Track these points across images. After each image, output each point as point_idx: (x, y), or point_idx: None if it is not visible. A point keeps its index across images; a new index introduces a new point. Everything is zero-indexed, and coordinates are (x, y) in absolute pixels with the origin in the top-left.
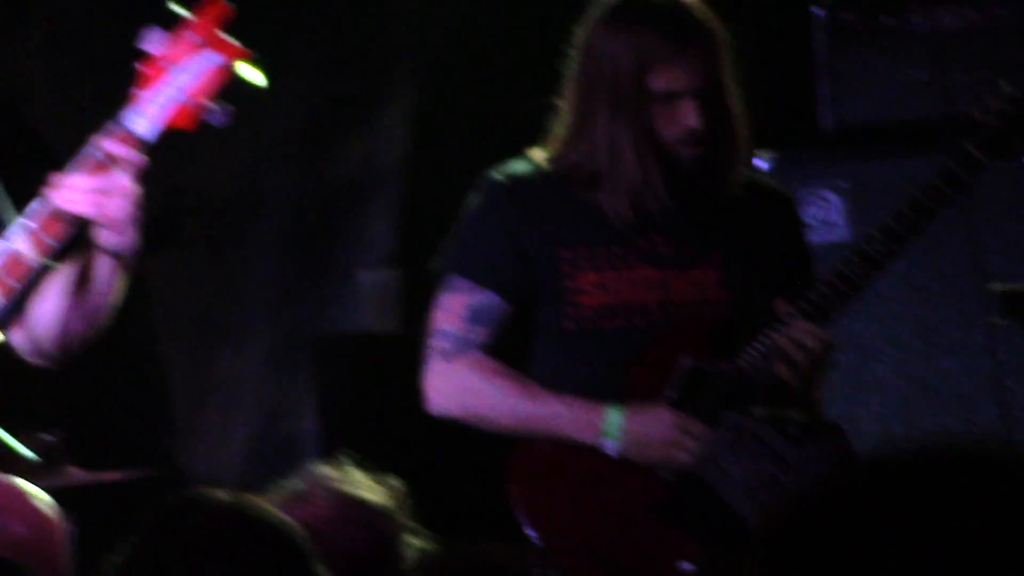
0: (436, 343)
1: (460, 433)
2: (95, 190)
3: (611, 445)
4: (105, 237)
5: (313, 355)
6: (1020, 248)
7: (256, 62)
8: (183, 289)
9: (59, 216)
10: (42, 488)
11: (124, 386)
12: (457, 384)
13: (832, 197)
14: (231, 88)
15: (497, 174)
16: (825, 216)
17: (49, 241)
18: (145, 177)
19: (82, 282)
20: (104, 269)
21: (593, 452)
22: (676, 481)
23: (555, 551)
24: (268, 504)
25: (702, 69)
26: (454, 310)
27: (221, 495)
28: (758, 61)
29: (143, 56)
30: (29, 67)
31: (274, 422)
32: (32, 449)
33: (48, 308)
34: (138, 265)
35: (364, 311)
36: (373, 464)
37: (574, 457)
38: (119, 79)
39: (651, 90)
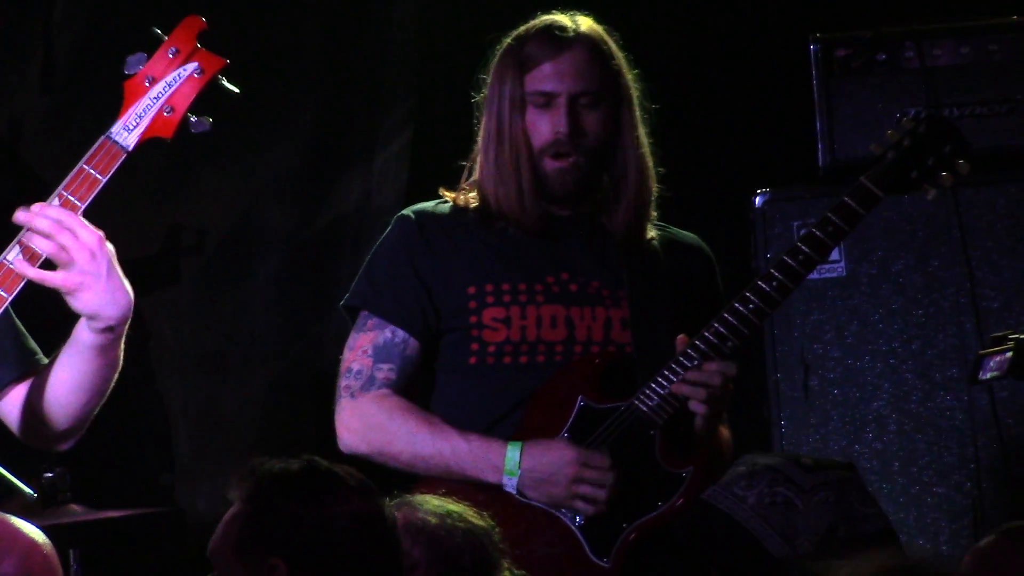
0: (345, 382)
1: None
2: (59, 225)
3: (510, 482)
4: (80, 300)
5: (314, 393)
6: (1015, 284)
7: (231, 74)
8: (184, 326)
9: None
10: (45, 525)
11: (126, 424)
12: (362, 421)
13: None
14: (227, 120)
15: (407, 211)
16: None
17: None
18: (145, 215)
19: (66, 359)
20: (92, 340)
21: (494, 491)
22: (693, 512)
23: None
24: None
25: (576, 75)
26: (362, 348)
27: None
28: (758, 99)
29: (127, 77)
30: (25, 104)
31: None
32: (35, 486)
33: (36, 396)
34: (137, 304)
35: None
36: None
37: (472, 496)
38: (111, 114)
39: (527, 92)
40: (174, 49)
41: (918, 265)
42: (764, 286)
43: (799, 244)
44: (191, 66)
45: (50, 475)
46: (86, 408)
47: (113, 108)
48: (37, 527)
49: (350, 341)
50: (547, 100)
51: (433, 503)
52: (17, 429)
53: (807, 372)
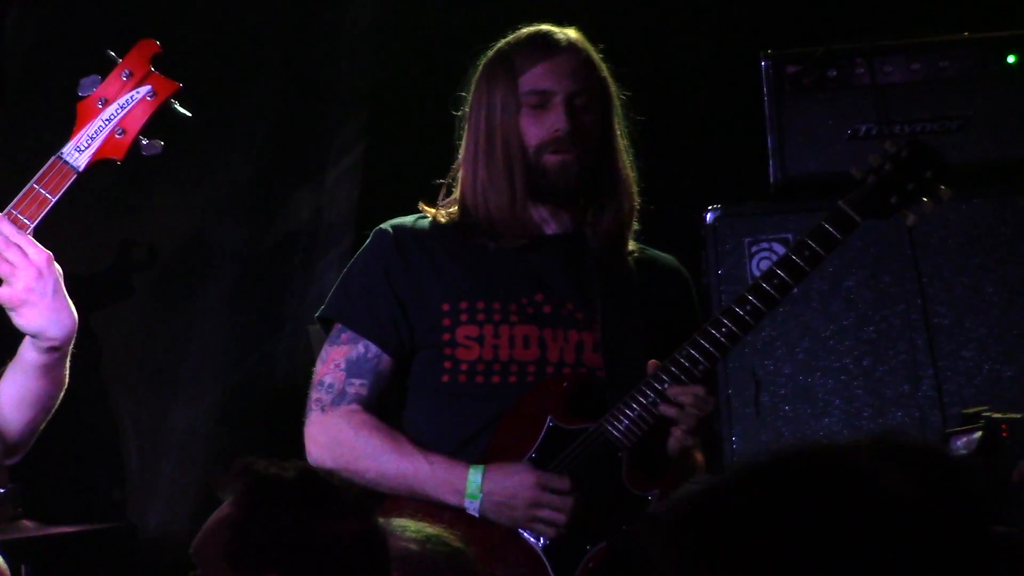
0: (316, 395)
1: None
2: (7, 241)
3: (472, 506)
4: (24, 318)
5: (265, 409)
6: (966, 301)
7: (184, 95)
8: (134, 342)
9: None
10: None
11: (77, 440)
12: (330, 436)
13: (780, 250)
14: (178, 137)
15: (385, 226)
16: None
17: None
18: (96, 230)
19: (11, 375)
20: (36, 359)
21: (459, 511)
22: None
23: None
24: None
25: (571, 75)
26: (334, 361)
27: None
28: (709, 115)
29: (80, 98)
30: None
31: None
32: None
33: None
34: (88, 320)
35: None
36: None
37: (436, 515)
38: (62, 130)
39: (521, 92)
40: (127, 72)
41: (869, 281)
42: (738, 310)
43: (775, 268)
44: (144, 89)
45: (1, 491)
46: (31, 425)
47: (65, 124)
48: None
49: (323, 353)
50: (543, 100)
51: (412, 528)
52: None
53: (758, 388)
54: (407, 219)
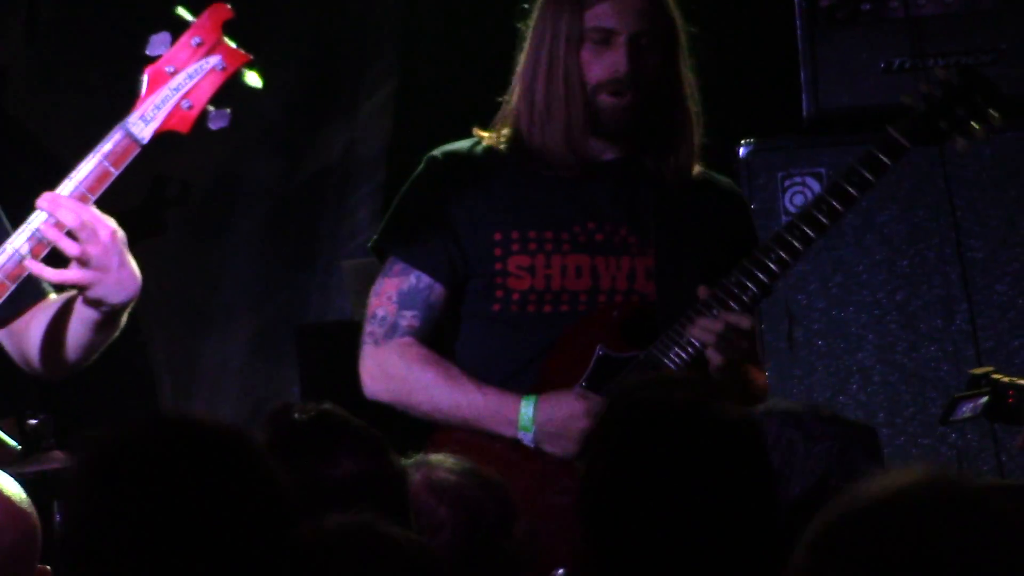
0: (369, 328)
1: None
2: (83, 223)
3: (526, 437)
4: (89, 292)
5: (297, 343)
6: (1000, 234)
7: (255, 65)
8: (167, 278)
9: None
10: (28, 472)
11: (110, 375)
12: (384, 369)
13: (813, 183)
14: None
15: (437, 153)
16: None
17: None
18: (129, 166)
19: (71, 319)
20: (95, 317)
21: (509, 441)
22: None
23: None
24: None
25: (638, 14)
26: (387, 294)
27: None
28: (742, 48)
29: (149, 61)
30: (9, 55)
31: (259, 410)
32: (19, 433)
33: (36, 333)
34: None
35: (347, 299)
36: None
37: (489, 445)
38: (101, 69)
39: (586, 27)
40: (198, 39)
41: (903, 215)
42: (787, 236)
43: (824, 195)
44: (213, 59)
45: (34, 422)
46: (86, 360)
47: (98, 59)
48: (10, 476)
49: (376, 286)
50: (606, 37)
51: (449, 461)
52: (12, 352)
53: (792, 323)
54: (460, 145)
